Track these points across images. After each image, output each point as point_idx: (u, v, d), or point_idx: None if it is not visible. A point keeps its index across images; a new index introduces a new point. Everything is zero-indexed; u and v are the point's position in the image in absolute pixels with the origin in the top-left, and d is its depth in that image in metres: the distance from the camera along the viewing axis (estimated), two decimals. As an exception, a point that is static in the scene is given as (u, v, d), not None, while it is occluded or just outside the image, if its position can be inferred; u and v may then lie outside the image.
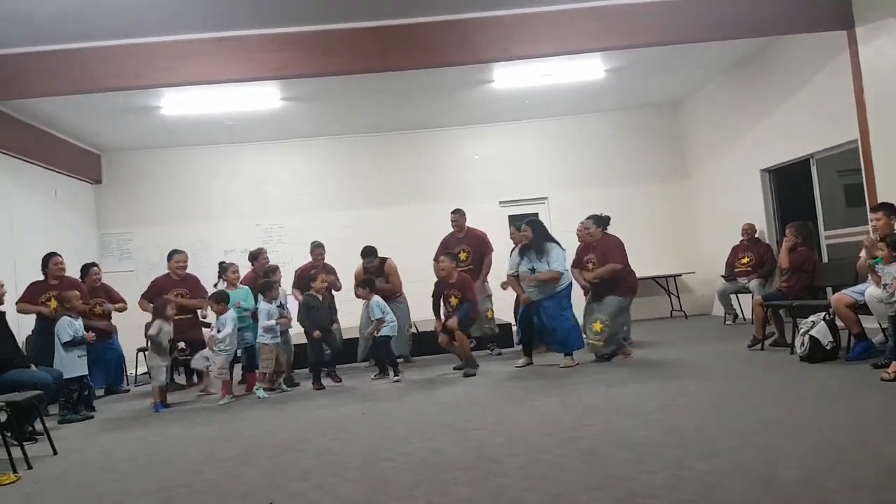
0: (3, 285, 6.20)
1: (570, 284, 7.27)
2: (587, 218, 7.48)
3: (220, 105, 9.43)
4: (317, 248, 8.30)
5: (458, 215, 8.47)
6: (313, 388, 7.04)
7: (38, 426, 5.36)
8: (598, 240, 7.37)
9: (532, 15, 7.20)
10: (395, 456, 4.12)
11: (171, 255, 8.02)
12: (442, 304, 7.50)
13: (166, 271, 8.08)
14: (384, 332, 7.34)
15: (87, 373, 6.54)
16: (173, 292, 7.67)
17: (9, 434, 4.83)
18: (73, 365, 6.34)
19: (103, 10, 6.34)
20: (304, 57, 7.27)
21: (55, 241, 9.63)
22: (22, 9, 6.11)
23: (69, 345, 6.34)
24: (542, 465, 3.66)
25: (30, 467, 4.60)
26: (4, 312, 6.29)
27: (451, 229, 8.53)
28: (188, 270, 8.17)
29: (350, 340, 8.17)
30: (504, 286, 7.96)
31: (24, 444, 4.81)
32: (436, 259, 7.77)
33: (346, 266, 8.45)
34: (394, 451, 4.25)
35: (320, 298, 7.39)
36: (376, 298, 7.48)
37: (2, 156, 8.81)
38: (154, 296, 7.58)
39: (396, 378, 7.14)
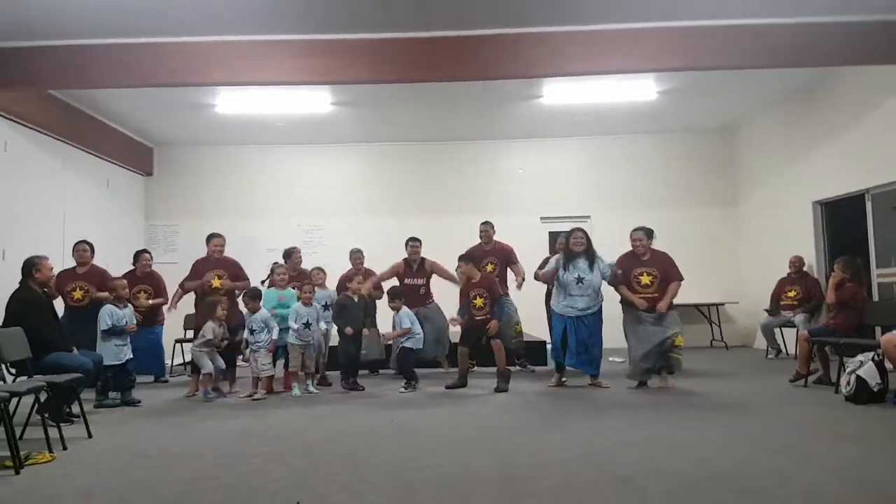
0: (52, 268, 6.33)
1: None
2: (639, 229, 7.14)
3: (272, 106, 9.61)
4: (355, 254, 8.36)
5: (487, 226, 8.39)
6: (342, 387, 7.06)
7: (76, 409, 5.45)
8: (650, 254, 7.11)
9: (588, 32, 7.14)
10: (423, 467, 4.08)
11: (209, 237, 7.95)
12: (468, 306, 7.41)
13: (205, 254, 8.05)
14: (407, 343, 7.31)
15: (121, 361, 6.55)
16: (212, 272, 7.67)
17: (47, 415, 4.92)
18: (109, 352, 6.45)
19: (166, 6, 6.47)
20: (354, 64, 7.32)
21: (104, 229, 9.91)
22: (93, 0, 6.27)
23: (107, 333, 6.46)
24: (575, 489, 3.58)
25: (65, 448, 4.70)
26: (51, 295, 6.45)
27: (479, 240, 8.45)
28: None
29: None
30: (519, 286, 8.04)
31: (61, 425, 4.91)
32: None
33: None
34: (421, 461, 4.21)
35: (355, 299, 7.38)
36: (405, 309, 7.45)
37: (60, 143, 9.08)
38: (194, 277, 7.67)
39: (403, 389, 7.08)
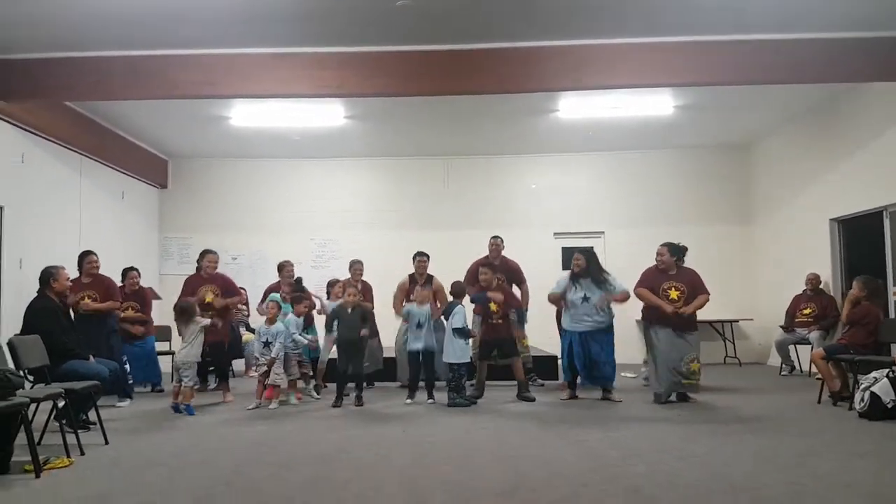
0: (69, 278, 6.41)
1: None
2: (664, 244, 7.17)
3: (286, 119, 9.68)
4: (355, 265, 8.34)
5: (497, 240, 8.29)
6: (332, 406, 6.94)
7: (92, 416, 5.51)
8: (676, 270, 7.10)
9: (606, 46, 7.15)
10: (434, 476, 4.11)
11: (204, 254, 7.96)
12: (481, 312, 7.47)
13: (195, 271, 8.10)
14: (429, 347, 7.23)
15: (468, 361, 7.03)
16: (205, 288, 7.70)
17: (64, 421, 4.98)
18: (458, 350, 6.99)
19: (181, 19, 6.54)
20: (368, 76, 7.35)
21: (119, 240, 10.03)
22: (110, 12, 6.36)
23: (457, 332, 6.97)
24: (583, 500, 3.59)
25: (82, 453, 4.76)
26: (69, 305, 6.53)
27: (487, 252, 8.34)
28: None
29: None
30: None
31: (79, 431, 4.97)
32: (468, 283, 7.75)
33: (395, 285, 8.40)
34: (432, 470, 4.24)
35: (349, 310, 7.22)
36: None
37: (76, 154, 9.18)
38: (187, 293, 7.66)
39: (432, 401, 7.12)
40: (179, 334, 7.06)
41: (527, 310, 8.22)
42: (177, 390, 6.69)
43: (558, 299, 7.28)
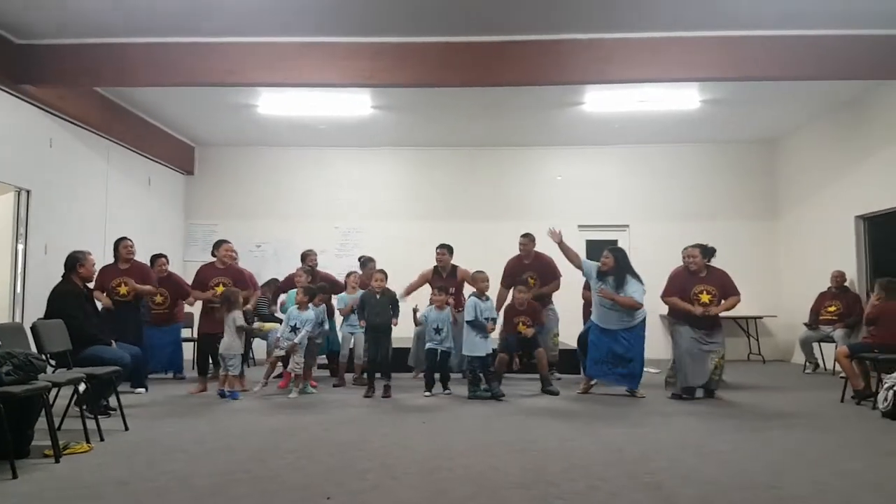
0: (94, 263, 6.45)
1: (645, 318, 7.09)
2: (695, 246, 7.04)
3: (313, 108, 9.70)
4: (369, 263, 8.35)
5: (527, 240, 8.23)
6: (364, 396, 7.00)
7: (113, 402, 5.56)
8: (706, 272, 6.99)
9: (634, 40, 7.11)
10: (454, 467, 4.09)
11: (219, 244, 7.86)
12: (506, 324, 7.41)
13: (212, 260, 7.94)
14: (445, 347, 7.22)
15: (488, 353, 6.99)
16: (215, 280, 7.58)
17: (85, 406, 5.03)
18: (476, 344, 6.99)
19: (209, 7, 6.59)
20: (398, 67, 7.38)
21: (145, 226, 10.12)
22: (138, 2, 6.43)
23: (471, 325, 7.00)
24: (601, 493, 3.56)
25: (102, 439, 4.80)
26: (92, 290, 6.58)
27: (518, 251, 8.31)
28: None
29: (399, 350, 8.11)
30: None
31: (99, 417, 5.01)
32: (504, 284, 7.81)
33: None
34: (452, 461, 4.22)
35: (377, 296, 7.22)
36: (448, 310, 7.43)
37: (104, 140, 9.27)
38: (199, 284, 7.66)
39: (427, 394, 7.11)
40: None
41: (549, 303, 8.13)
42: (223, 378, 6.92)
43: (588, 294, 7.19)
